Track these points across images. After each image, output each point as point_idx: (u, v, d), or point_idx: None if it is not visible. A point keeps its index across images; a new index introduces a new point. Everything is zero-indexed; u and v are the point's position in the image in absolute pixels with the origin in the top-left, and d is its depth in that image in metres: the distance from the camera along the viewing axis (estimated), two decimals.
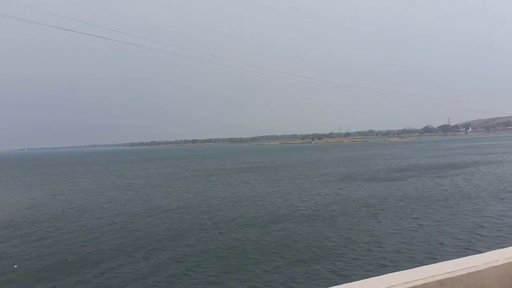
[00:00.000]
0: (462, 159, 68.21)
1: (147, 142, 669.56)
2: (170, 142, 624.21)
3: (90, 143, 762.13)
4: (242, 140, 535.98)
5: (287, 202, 29.03)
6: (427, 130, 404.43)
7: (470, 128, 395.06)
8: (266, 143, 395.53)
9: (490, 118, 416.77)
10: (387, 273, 2.69)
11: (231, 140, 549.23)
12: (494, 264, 2.59)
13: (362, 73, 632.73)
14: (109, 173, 70.19)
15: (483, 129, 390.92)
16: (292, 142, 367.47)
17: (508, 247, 3.01)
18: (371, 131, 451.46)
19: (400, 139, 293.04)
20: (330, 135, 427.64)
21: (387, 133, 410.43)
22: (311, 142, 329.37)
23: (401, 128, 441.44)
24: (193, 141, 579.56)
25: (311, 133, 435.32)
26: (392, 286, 2.11)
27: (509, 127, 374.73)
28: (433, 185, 34.90)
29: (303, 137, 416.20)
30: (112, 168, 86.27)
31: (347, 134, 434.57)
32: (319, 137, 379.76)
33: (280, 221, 22.14)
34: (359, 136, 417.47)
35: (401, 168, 54.17)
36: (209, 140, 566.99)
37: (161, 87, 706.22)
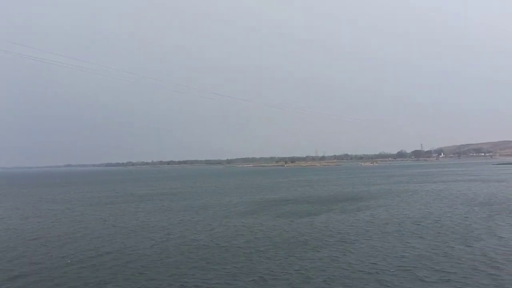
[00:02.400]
0: (396, 187, 65.88)
1: (123, 163, 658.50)
2: (146, 163, 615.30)
3: (65, 163, 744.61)
4: (218, 162, 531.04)
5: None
6: (401, 155, 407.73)
7: (442, 154, 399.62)
8: (240, 165, 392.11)
9: (462, 145, 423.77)
10: None
11: (208, 162, 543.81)
12: None
13: (338, 97, 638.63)
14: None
15: (455, 155, 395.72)
16: (265, 165, 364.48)
17: None
18: (346, 155, 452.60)
19: (372, 164, 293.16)
20: (306, 159, 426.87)
21: (361, 158, 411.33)
22: (283, 166, 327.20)
23: (376, 152, 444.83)
24: (169, 163, 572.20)
25: (289, 156, 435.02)
26: None
27: (481, 153, 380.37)
28: (329, 221, 31.65)
29: (279, 160, 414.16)
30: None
31: (322, 158, 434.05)
32: (293, 160, 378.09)
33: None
34: (334, 160, 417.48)
35: (319, 198, 51.29)
36: (185, 162, 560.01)
37: (139, 108, 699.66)
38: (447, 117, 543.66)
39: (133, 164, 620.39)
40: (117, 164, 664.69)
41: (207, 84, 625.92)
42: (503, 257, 18.51)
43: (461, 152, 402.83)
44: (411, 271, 16.53)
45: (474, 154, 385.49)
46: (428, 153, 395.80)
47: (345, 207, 39.02)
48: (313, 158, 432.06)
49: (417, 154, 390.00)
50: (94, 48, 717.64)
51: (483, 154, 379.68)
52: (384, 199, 45.88)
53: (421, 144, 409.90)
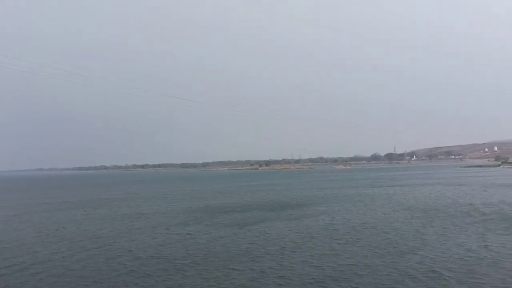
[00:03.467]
0: (353, 191, 64.95)
1: (95, 167, 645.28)
2: (119, 167, 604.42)
3: (37, 166, 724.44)
4: (194, 165, 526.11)
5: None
6: (375, 158, 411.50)
7: (414, 157, 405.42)
8: (215, 169, 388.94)
9: (433, 148, 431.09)
10: None
11: (183, 166, 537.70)
12: None
13: (315, 101, 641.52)
14: None
15: (427, 157, 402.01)
16: (240, 168, 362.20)
17: None
18: (321, 158, 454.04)
19: (345, 167, 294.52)
20: (281, 162, 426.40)
21: (336, 161, 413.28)
22: (258, 169, 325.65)
23: (351, 155, 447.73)
24: (143, 166, 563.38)
25: (265, 159, 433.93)
26: None
27: (451, 156, 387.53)
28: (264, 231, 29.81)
29: (254, 163, 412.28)
30: None
31: (297, 161, 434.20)
32: (267, 163, 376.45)
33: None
34: (309, 163, 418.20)
35: (271, 203, 49.54)
36: (160, 166, 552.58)
37: (114, 111, 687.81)
38: (420, 120, 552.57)
39: (106, 168, 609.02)
40: (90, 168, 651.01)
41: (182, 88, 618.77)
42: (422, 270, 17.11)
43: (432, 155, 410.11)
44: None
45: (444, 157, 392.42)
46: (401, 156, 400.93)
47: (293, 213, 37.72)
48: (288, 161, 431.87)
49: (390, 157, 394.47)
50: (78, 52, 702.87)
51: (453, 156, 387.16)
52: (333, 204, 44.70)
53: (394, 147, 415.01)
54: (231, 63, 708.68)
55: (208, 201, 53.62)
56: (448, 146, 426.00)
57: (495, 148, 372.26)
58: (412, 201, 45.47)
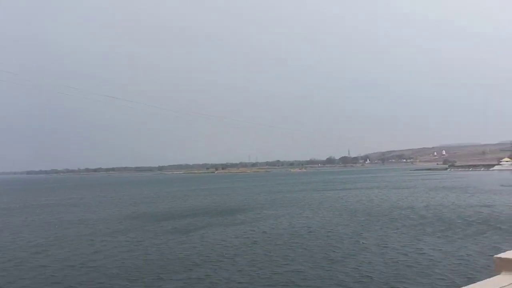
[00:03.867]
0: (298, 195, 64.93)
1: (46, 170, 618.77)
2: (71, 171, 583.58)
3: None
4: (149, 169, 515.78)
5: None
6: (330, 161, 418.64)
7: (368, 160, 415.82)
8: (171, 172, 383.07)
9: (386, 151, 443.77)
10: None
11: (138, 169, 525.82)
12: None
13: (272, 105, 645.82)
14: None
15: (379, 161, 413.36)
16: (196, 172, 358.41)
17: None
18: (278, 162, 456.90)
19: (300, 170, 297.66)
20: (238, 165, 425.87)
21: (292, 164, 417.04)
22: (214, 172, 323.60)
23: (307, 158, 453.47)
24: (96, 170, 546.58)
25: (222, 162, 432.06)
26: None
27: (402, 160, 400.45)
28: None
29: (211, 166, 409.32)
30: None
31: (254, 164, 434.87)
32: (224, 167, 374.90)
33: None
34: (266, 166, 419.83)
35: (211, 208, 48.69)
36: (113, 169, 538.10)
37: (66, 113, 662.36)
38: (373, 125, 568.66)
39: (57, 172, 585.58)
40: (40, 172, 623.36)
41: (137, 92, 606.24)
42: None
43: (385, 158, 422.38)
44: None
45: (396, 161, 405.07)
46: (355, 160, 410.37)
47: (240, 218, 37.23)
48: (245, 165, 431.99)
49: (345, 160, 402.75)
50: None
51: (404, 160, 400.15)
52: (281, 208, 44.55)
53: (349, 151, 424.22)
54: (189, 67, 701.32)
55: (154, 206, 52.25)
56: (399, 150, 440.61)
57: (444, 152, 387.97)
58: (358, 204, 45.74)
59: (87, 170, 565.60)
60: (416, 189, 68.28)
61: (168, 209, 47.62)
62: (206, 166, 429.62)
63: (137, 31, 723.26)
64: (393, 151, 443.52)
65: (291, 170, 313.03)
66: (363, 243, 24.12)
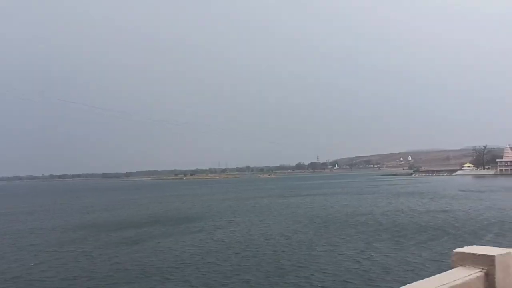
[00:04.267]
0: (254, 202, 64.15)
1: (8, 177, 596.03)
2: (35, 177, 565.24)
3: None
4: (116, 175, 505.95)
5: None
6: (299, 167, 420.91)
7: (336, 166, 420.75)
8: (138, 179, 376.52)
9: (354, 157, 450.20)
10: None
11: (105, 176, 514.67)
12: None
13: (242, 110, 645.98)
14: None
15: (348, 166, 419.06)
16: (164, 178, 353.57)
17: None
18: (247, 167, 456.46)
19: (269, 176, 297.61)
20: (208, 171, 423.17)
21: (262, 170, 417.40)
22: (183, 179, 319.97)
23: (277, 164, 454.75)
24: (61, 177, 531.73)
25: (192, 168, 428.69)
26: None
27: (370, 165, 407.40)
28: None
29: (180, 172, 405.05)
30: None
31: (224, 170, 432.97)
32: (193, 173, 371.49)
33: None
34: (235, 172, 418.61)
35: (161, 218, 47.34)
36: (79, 176, 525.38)
37: (27, 116, 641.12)
38: (343, 131, 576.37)
39: (20, 178, 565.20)
40: (3, 178, 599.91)
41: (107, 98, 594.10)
42: None
43: (353, 163, 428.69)
44: None
45: (364, 166, 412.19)
46: (324, 165, 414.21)
47: (195, 227, 36.05)
48: (215, 171, 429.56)
49: (314, 166, 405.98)
50: None
51: (372, 165, 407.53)
52: (240, 216, 43.96)
53: (318, 156, 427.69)
54: (159, 72, 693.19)
55: (111, 214, 50.59)
56: (367, 156, 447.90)
57: (409, 158, 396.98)
58: (319, 211, 45.39)
59: (51, 176, 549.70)
60: (379, 195, 68.70)
61: (125, 218, 46.00)
62: (175, 172, 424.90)
63: (100, 34, 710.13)
64: (361, 156, 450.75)
65: (260, 176, 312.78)
66: (317, 251, 23.78)
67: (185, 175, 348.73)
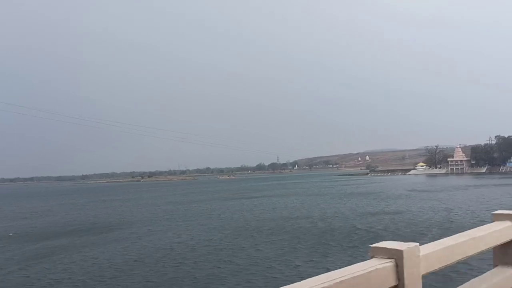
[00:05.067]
0: (200, 205, 61.07)
1: None
2: None
3: None
4: (72, 178, 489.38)
5: None
6: (260, 167, 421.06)
7: (296, 166, 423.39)
8: (93, 181, 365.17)
9: (314, 157, 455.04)
10: None
11: (59, 179, 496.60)
12: None
13: (202, 111, 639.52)
14: None
15: (307, 167, 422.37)
16: (121, 180, 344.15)
17: None
18: (208, 169, 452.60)
19: (229, 177, 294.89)
20: (166, 173, 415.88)
21: (222, 171, 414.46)
22: (140, 181, 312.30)
23: (238, 165, 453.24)
24: (12, 180, 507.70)
25: (152, 170, 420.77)
26: None
27: (329, 165, 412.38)
28: None
29: (139, 174, 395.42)
30: None
31: (183, 172, 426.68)
32: (151, 175, 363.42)
33: None
34: (195, 174, 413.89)
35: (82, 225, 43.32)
36: (32, 179, 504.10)
37: None
38: (302, 132, 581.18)
39: None
40: None
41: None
42: None
43: (312, 164, 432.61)
44: None
45: (323, 166, 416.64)
46: (284, 166, 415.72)
47: (115, 236, 32.54)
48: (174, 172, 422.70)
49: (274, 166, 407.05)
50: None
51: (331, 166, 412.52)
52: (176, 222, 40.65)
53: (278, 157, 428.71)
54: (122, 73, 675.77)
55: (30, 223, 45.74)
56: (326, 156, 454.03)
57: (367, 158, 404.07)
58: (257, 214, 43.05)
59: (2, 180, 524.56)
60: (329, 196, 67.11)
61: (45, 227, 41.60)
62: (133, 174, 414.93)
63: (53, 34, 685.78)
64: (321, 157, 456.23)
65: (219, 177, 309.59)
66: (237, 262, 21.30)
67: (142, 177, 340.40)
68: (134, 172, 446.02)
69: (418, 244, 2.23)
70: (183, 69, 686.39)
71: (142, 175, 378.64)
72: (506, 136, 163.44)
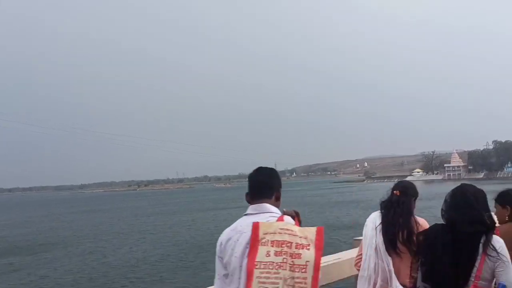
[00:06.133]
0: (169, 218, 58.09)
1: None
2: None
3: None
4: (70, 187, 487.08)
5: None
6: None
7: (294, 173, 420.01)
8: (90, 191, 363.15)
9: (313, 164, 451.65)
10: None
11: (57, 188, 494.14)
12: None
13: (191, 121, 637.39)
14: None
15: (305, 174, 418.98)
16: (118, 189, 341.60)
17: None
18: (206, 177, 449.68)
19: (225, 185, 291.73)
20: (164, 181, 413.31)
21: (219, 179, 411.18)
22: (136, 190, 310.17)
23: (236, 173, 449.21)
24: (11, 190, 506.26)
25: (150, 178, 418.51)
26: None
27: (327, 172, 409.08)
28: None
29: (136, 183, 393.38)
30: None
31: (180, 180, 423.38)
32: (147, 183, 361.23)
33: None
34: (194, 182, 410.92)
35: None
36: (30, 189, 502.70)
37: None
38: (302, 139, 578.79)
39: None
40: None
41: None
42: None
43: (311, 171, 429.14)
44: None
45: (321, 173, 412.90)
46: (282, 173, 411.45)
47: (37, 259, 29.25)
48: (172, 181, 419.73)
49: None
50: None
51: (329, 173, 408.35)
52: (105, 241, 37.09)
53: (275, 164, 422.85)
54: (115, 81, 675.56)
55: None
56: (325, 163, 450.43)
57: (365, 164, 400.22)
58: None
59: (1, 190, 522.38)
60: (317, 206, 64.58)
61: None
62: (132, 183, 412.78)
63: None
64: (319, 164, 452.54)
65: (216, 185, 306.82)
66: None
67: (138, 186, 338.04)
68: (133, 181, 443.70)
69: None
70: (178, 75, 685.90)
71: (139, 183, 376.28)
72: (503, 140, 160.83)
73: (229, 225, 2.41)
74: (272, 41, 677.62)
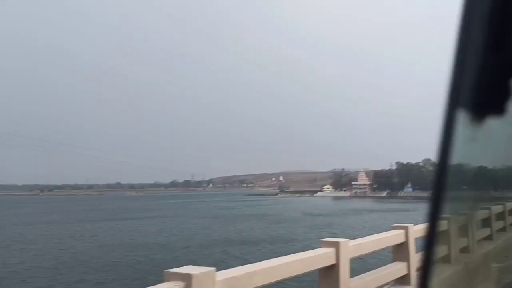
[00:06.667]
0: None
1: None
2: None
3: None
4: None
5: None
6: (174, 184, 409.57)
7: (211, 184, 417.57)
8: None
9: (230, 176, 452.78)
10: None
11: None
12: None
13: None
14: None
15: (222, 185, 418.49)
16: (17, 194, 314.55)
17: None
18: (119, 184, 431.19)
19: (137, 194, 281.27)
20: (69, 187, 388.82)
21: (133, 187, 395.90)
22: (38, 195, 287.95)
23: (151, 181, 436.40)
24: None
25: (58, 184, 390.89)
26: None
27: (244, 184, 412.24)
28: None
29: (44, 187, 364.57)
30: None
31: (90, 187, 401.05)
32: (51, 189, 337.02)
33: None
34: (105, 189, 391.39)
35: None
36: None
37: None
38: (220, 150, 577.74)
39: None
40: None
41: None
42: None
43: (228, 182, 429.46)
44: None
45: (238, 185, 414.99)
46: (199, 183, 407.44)
47: None
48: (81, 187, 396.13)
49: (187, 184, 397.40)
50: None
51: (245, 185, 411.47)
52: None
53: (192, 175, 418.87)
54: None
55: None
56: (242, 175, 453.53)
57: (281, 178, 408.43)
58: (105, 242, 36.19)
59: None
60: (224, 218, 62.63)
61: None
62: (37, 187, 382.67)
63: None
64: (237, 175, 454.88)
65: (128, 193, 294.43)
66: None
67: (41, 191, 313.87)
68: (38, 185, 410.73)
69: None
70: (94, 75, 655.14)
71: (43, 188, 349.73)
72: (405, 162, 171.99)
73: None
74: (196, 48, 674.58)
